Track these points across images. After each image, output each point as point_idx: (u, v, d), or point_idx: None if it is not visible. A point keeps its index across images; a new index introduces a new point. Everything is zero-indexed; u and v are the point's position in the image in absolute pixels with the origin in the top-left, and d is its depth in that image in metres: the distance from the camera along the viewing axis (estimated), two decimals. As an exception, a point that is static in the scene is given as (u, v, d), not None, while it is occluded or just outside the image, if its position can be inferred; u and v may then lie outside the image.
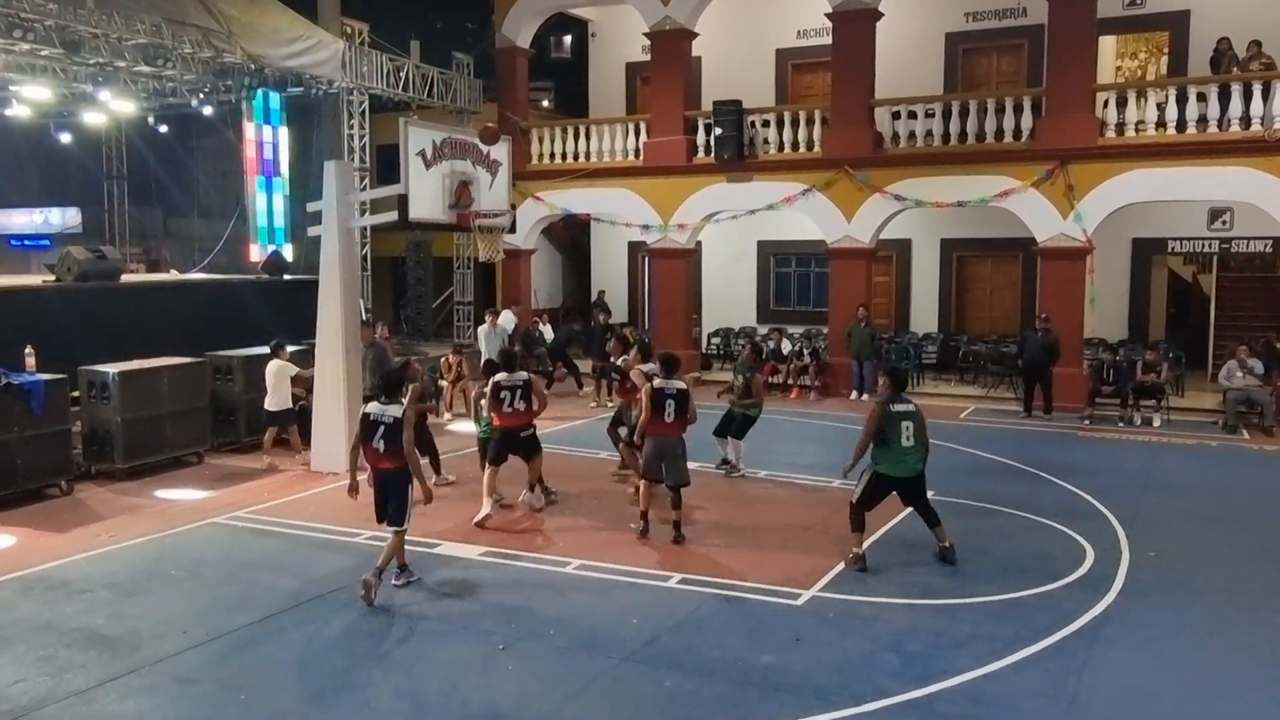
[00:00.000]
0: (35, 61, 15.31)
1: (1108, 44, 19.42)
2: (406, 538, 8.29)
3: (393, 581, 8.21)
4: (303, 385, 12.73)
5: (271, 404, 12.57)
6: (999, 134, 17.63)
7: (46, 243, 21.31)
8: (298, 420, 13.51)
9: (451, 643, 7.19)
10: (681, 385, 9.66)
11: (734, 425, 12.28)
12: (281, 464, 12.64)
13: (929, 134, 18.24)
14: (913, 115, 18.41)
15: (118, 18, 14.01)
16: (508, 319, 18.29)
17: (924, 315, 21.41)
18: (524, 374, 10.36)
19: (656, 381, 9.64)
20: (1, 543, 9.58)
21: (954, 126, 17.92)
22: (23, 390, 10.94)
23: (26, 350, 11.62)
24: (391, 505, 8.09)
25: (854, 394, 18.05)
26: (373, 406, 8.15)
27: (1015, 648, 7.00)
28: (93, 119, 18.83)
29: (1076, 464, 12.89)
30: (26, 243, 21.85)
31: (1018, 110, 17.49)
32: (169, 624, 7.46)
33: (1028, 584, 8.30)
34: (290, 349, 12.93)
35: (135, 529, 9.97)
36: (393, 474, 8.05)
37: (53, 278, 14.94)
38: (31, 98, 17.13)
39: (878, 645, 7.10)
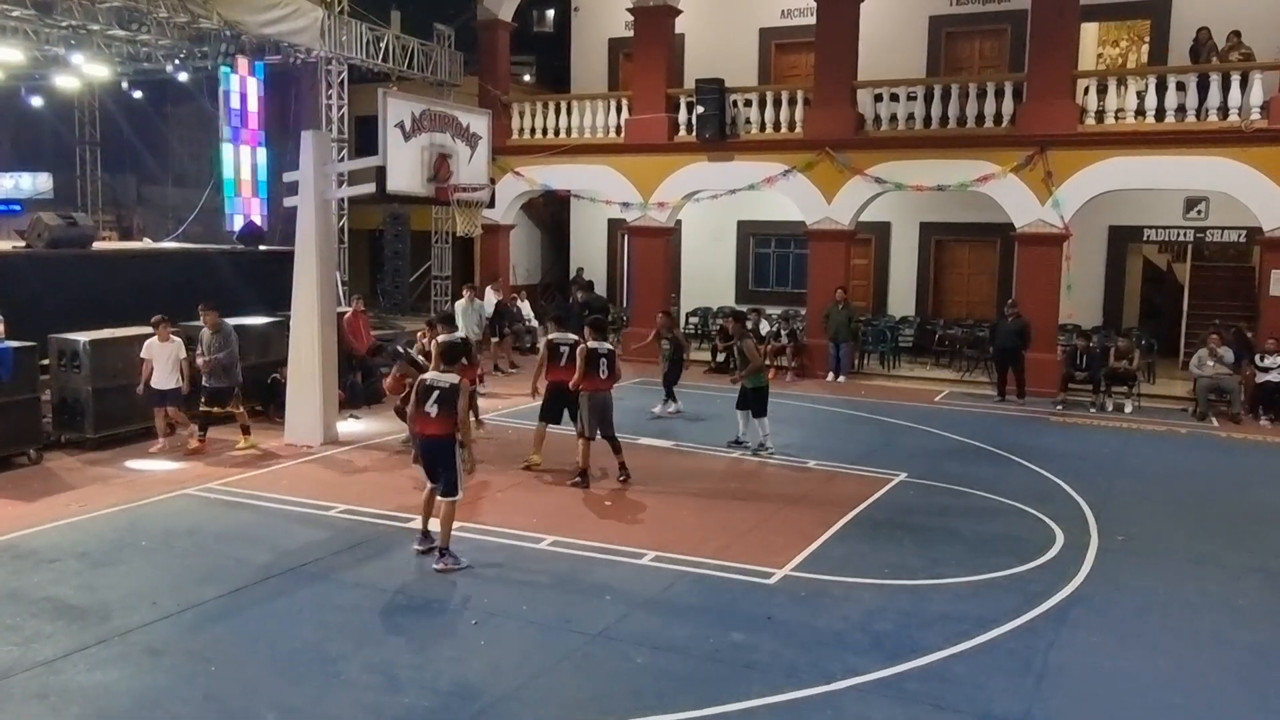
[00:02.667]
0: (6, 23, 15.02)
1: (1090, 31, 19.48)
2: (382, 510, 8.28)
3: (415, 546, 8.47)
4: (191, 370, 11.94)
5: (171, 382, 11.70)
6: (980, 119, 17.66)
7: (17, 208, 20.97)
8: (270, 395, 13.45)
9: (423, 617, 7.19)
10: (609, 346, 10.87)
11: (748, 401, 12.38)
12: (178, 443, 11.97)
13: (910, 117, 18.25)
14: (895, 98, 18.41)
15: (92, -21, 13.78)
16: (489, 296, 18.29)
17: (902, 298, 21.49)
18: (573, 336, 11.38)
19: (590, 343, 10.59)
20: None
21: (935, 110, 17.93)
22: (-9, 356, 10.81)
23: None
24: (443, 476, 8.18)
25: (830, 375, 18.12)
26: (430, 374, 8.40)
27: (984, 628, 7.07)
28: (65, 83, 18.54)
29: (1048, 448, 13.01)
30: (-4, 208, 21.56)
31: (999, 95, 17.52)
32: (139, 595, 7.41)
33: (997, 566, 8.38)
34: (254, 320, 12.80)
35: (105, 499, 9.88)
36: (439, 441, 8.14)
37: (23, 244, 14.73)
38: (2, 60, 16.83)
39: (848, 624, 7.15)
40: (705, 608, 7.44)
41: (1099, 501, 10.44)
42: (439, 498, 8.21)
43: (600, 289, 23.34)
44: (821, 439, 13.43)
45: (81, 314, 12.59)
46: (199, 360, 11.82)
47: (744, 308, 21.03)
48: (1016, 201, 17.29)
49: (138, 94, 19.07)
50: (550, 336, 11.51)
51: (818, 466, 11.92)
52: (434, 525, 8.36)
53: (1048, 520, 9.73)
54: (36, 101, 19.96)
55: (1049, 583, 8.02)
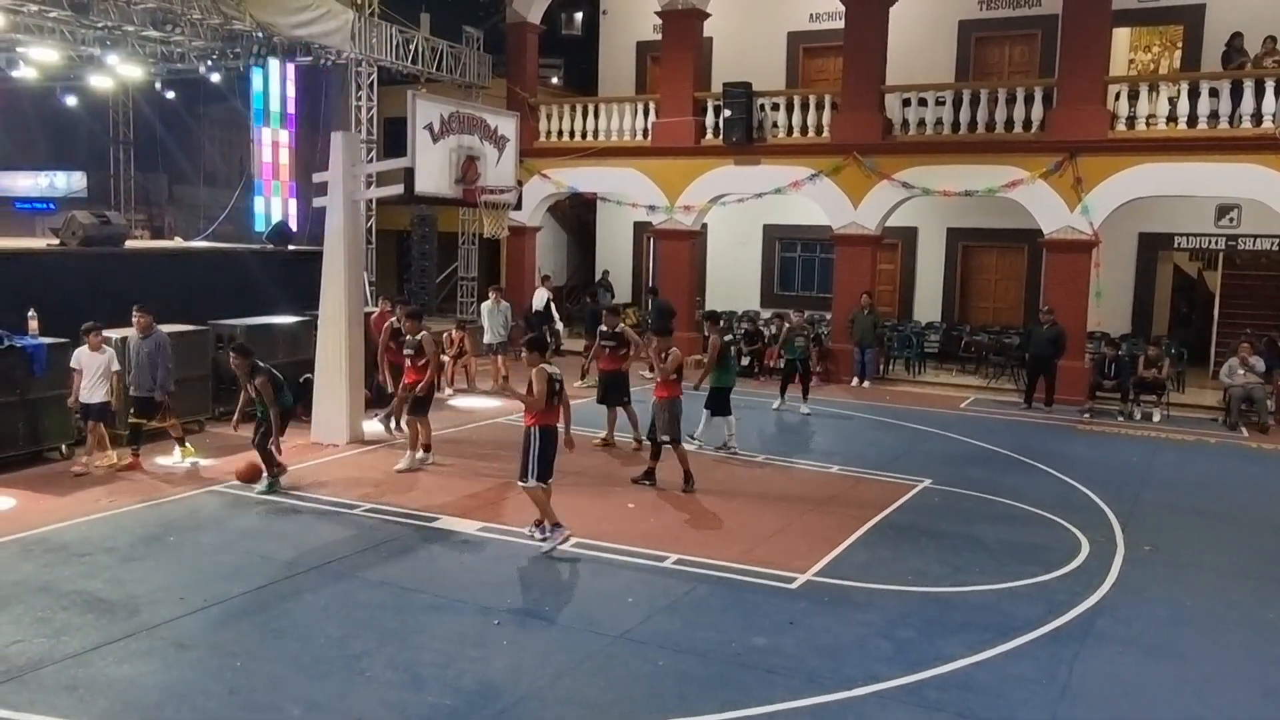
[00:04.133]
0: (43, 23, 15.24)
1: (1121, 36, 19.31)
2: (407, 509, 8.33)
3: (536, 535, 8.76)
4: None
5: (99, 395, 10.83)
6: (1009, 124, 17.56)
7: (51, 206, 21.25)
8: (300, 394, 13.51)
9: (447, 616, 7.22)
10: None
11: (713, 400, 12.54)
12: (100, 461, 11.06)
13: (939, 122, 18.17)
14: (923, 103, 18.34)
15: (127, -19, 13.96)
16: (540, 294, 19.12)
17: (928, 304, 21.39)
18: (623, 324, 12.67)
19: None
20: (2, 504, 9.61)
21: (964, 115, 17.85)
22: (25, 353, 10.97)
23: (30, 313, 11.58)
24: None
25: (855, 380, 18.05)
26: (550, 368, 8.64)
27: (1008, 637, 7.03)
28: (100, 83, 18.78)
29: (1075, 457, 12.92)
30: (32, 206, 21.80)
31: (1028, 101, 17.42)
32: (166, 590, 7.50)
33: (1022, 574, 8.33)
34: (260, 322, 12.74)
35: (135, 494, 10.01)
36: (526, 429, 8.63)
37: (57, 242, 14.90)
38: (38, 60, 17.09)
39: (870, 630, 7.13)
40: (727, 611, 7.44)
41: (1126, 511, 10.35)
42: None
43: (624, 292, 23.40)
44: (846, 444, 13.39)
45: (113, 312, 12.68)
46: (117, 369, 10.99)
47: (768, 312, 21.07)
48: (1045, 207, 17.18)
49: (170, 94, 19.28)
50: (601, 327, 12.86)
51: (841, 472, 11.89)
52: (448, 523, 8.39)
53: (1074, 529, 9.66)
54: (71, 101, 20.21)
55: (1074, 592, 7.96)
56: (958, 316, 21.17)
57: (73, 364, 10.77)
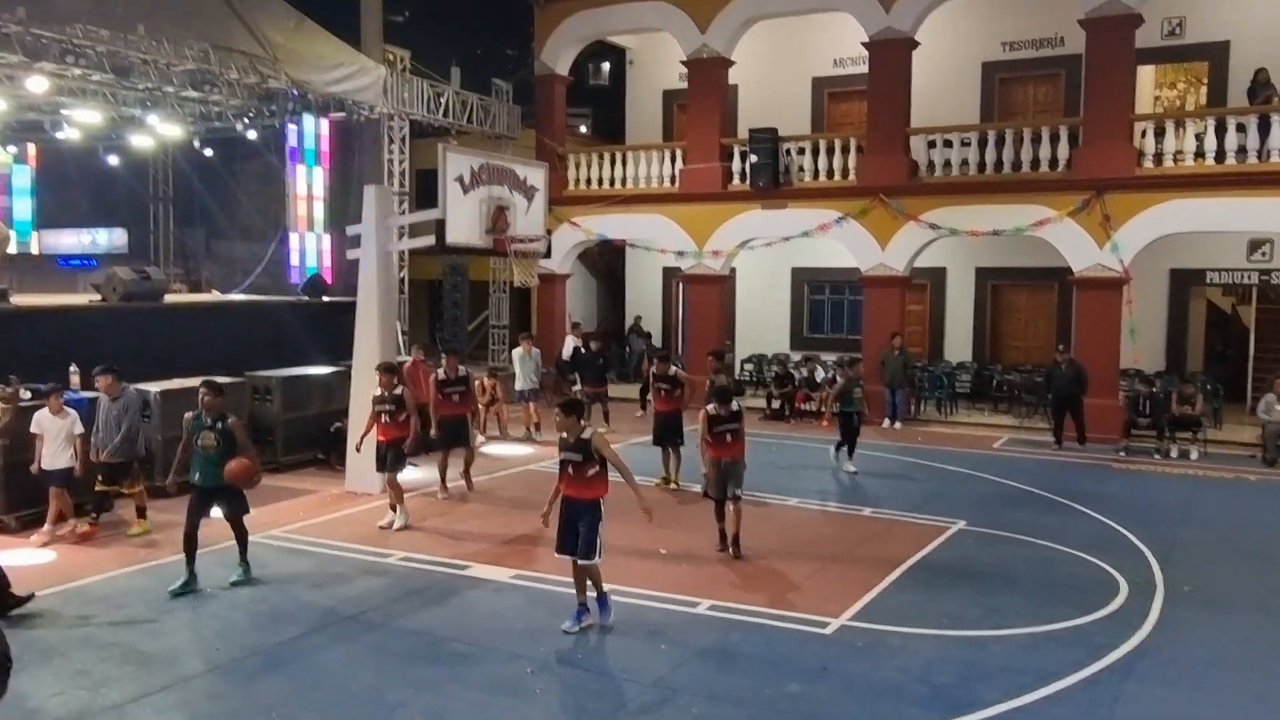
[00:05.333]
0: (86, 86, 15.73)
1: (1146, 74, 19.34)
2: (439, 557, 8.31)
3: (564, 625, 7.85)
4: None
5: (62, 461, 10.19)
6: (1035, 163, 17.59)
7: (93, 263, 21.73)
8: (331, 444, 13.68)
9: (481, 665, 7.23)
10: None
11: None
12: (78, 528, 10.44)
13: (964, 163, 18.24)
14: (948, 144, 18.43)
15: (167, 44, 14.37)
16: (569, 342, 19.36)
17: (958, 344, 21.30)
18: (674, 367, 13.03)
19: (711, 407, 10.15)
20: (43, 557, 9.76)
21: (990, 155, 17.91)
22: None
23: (72, 368, 11.84)
24: (582, 537, 7.83)
25: (886, 422, 17.97)
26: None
27: (1046, 681, 6.93)
28: (140, 142, 19.30)
29: (1111, 496, 12.76)
30: (74, 263, 22.32)
31: (1054, 140, 17.46)
32: (203, 640, 7.58)
33: (1059, 616, 8.22)
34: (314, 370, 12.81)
35: (172, 546, 10.08)
36: (582, 503, 7.90)
37: (99, 297, 15.24)
38: (82, 121, 17.61)
39: (906, 676, 7.06)
40: (761, 657, 7.40)
41: (1165, 550, 10.19)
42: (579, 562, 7.84)
43: (655, 338, 23.51)
44: (878, 486, 13.31)
45: (153, 365, 12.96)
46: (94, 439, 10.30)
47: (798, 355, 21.07)
48: (1074, 246, 17.14)
49: (208, 151, 19.76)
50: (652, 369, 13.47)
51: (874, 514, 11.82)
52: (480, 571, 8.40)
53: (1111, 570, 9.52)
54: (113, 160, 20.76)
55: (1113, 634, 7.84)
56: (989, 356, 21.06)
57: (33, 428, 10.11)
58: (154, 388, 12.20)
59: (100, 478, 10.36)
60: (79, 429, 10.24)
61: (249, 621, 8.03)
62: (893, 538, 10.77)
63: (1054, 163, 17.46)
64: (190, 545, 8.73)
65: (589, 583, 7.95)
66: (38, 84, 14.16)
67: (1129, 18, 16.72)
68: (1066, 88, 19.77)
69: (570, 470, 7.85)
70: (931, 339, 21.54)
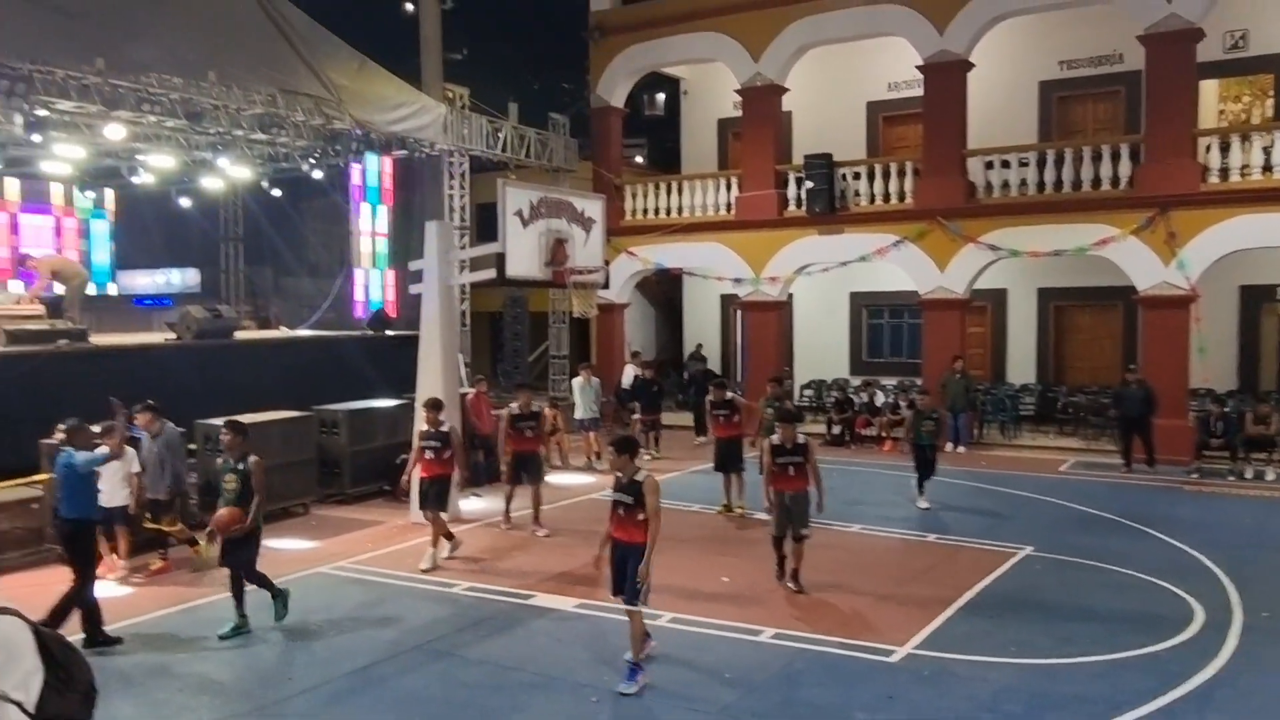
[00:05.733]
0: (160, 132, 16.32)
1: (1209, 88, 19.01)
2: (504, 587, 8.36)
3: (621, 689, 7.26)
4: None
5: (118, 499, 10.15)
6: (1096, 182, 17.38)
7: (168, 302, 22.44)
8: (397, 475, 13.87)
9: (545, 694, 7.30)
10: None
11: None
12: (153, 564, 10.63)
13: (1023, 183, 18.08)
14: (1006, 165, 18.29)
15: (236, 89, 14.87)
16: (629, 371, 19.50)
17: (1021, 366, 21.01)
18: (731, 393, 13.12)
19: (775, 437, 9.81)
20: (121, 589, 10.06)
21: (1049, 175, 17.74)
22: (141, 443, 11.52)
23: (150, 404, 12.18)
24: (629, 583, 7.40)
25: (950, 446, 17.74)
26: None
27: (1119, 710, 6.80)
28: (211, 184, 19.92)
29: (1183, 519, 12.47)
30: (150, 302, 23.08)
31: (1115, 158, 17.25)
32: (276, 671, 7.77)
33: (1132, 644, 8.05)
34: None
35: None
36: (629, 546, 7.48)
37: (173, 335, 15.71)
38: (156, 166, 18.24)
39: (974, 705, 6.98)
40: (826, 686, 7.37)
41: (1241, 575, 9.92)
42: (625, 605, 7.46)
43: (714, 364, 23.53)
44: (942, 512, 13.16)
45: (225, 400, 13.29)
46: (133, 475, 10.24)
47: (858, 379, 20.94)
48: (1139, 264, 16.86)
49: (276, 191, 20.31)
50: (709, 397, 13.42)
51: (938, 540, 11.69)
52: (544, 600, 8.45)
53: (1185, 595, 9.32)
54: (186, 203, 21.45)
55: (1189, 662, 7.66)
56: (1053, 377, 20.73)
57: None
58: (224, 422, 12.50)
59: (148, 515, 10.55)
60: (135, 467, 10.25)
61: (321, 651, 8.19)
62: (958, 564, 10.65)
63: (1115, 180, 17.23)
64: (235, 587, 8.68)
65: (631, 638, 7.41)
66: (115, 131, 14.73)
67: (1189, 32, 16.49)
68: (1127, 104, 19.51)
69: (620, 512, 7.44)
70: (993, 361, 21.26)
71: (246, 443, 8.89)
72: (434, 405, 11.03)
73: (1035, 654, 7.93)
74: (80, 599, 8.22)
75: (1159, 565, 10.33)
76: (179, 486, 10.74)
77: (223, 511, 8.63)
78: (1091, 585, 9.80)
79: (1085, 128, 20.14)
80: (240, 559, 8.70)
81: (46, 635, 3.79)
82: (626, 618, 7.48)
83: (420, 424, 11.06)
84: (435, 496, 10.84)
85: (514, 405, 12.57)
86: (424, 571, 10.43)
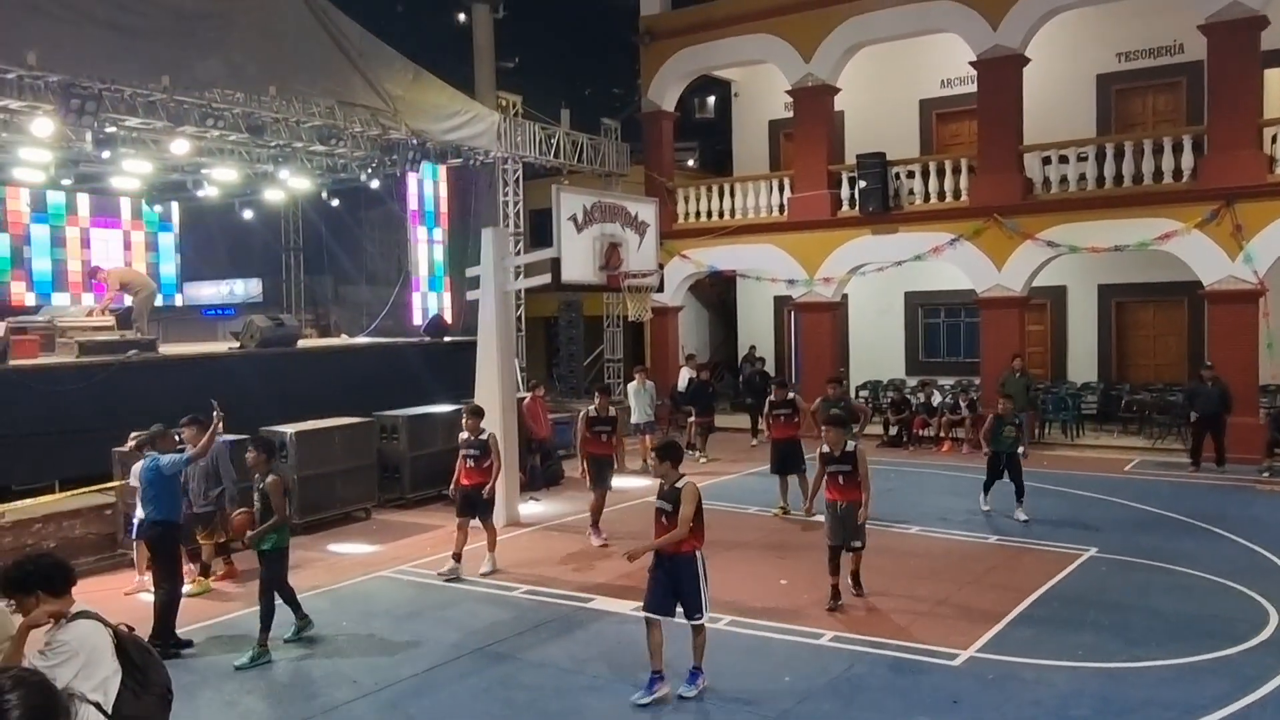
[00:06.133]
0: (224, 146, 16.71)
1: (1274, 77, 18.50)
2: (563, 591, 8.41)
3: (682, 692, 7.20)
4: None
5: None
6: (1157, 175, 17.04)
7: (232, 312, 22.94)
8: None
9: (605, 696, 7.34)
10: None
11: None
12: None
13: (1082, 178, 17.78)
14: (1064, 160, 18.01)
15: (296, 103, 15.18)
16: (684, 374, 19.44)
17: (1082, 364, 20.64)
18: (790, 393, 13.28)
19: (824, 446, 9.36)
20: (188, 593, 10.29)
21: (1109, 169, 17.41)
22: (211, 450, 11.78)
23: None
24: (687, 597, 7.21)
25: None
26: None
27: (1192, 715, 6.67)
28: (272, 196, 20.32)
29: (1255, 519, 12.16)
30: (214, 312, 23.62)
31: (1177, 150, 16.89)
32: (340, 674, 7.89)
33: (1204, 647, 7.88)
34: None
35: (309, 581, 10.51)
36: (679, 557, 7.25)
37: (237, 344, 16.05)
38: (220, 179, 18.67)
39: (1040, 710, 6.88)
40: (888, 690, 7.32)
41: (1317, 577, 9.68)
42: (691, 621, 7.23)
43: (768, 365, 23.44)
44: (1003, 513, 12.97)
45: (288, 406, 13.58)
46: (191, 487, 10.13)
47: (914, 380, 20.74)
48: (1203, 258, 16.49)
49: (335, 202, 20.67)
50: (771, 398, 13.30)
51: (1000, 542, 11.54)
52: (603, 604, 8.46)
53: (1259, 598, 9.09)
54: (248, 214, 21.92)
55: (1264, 666, 7.47)
56: (1115, 375, 20.34)
57: (131, 480, 10.02)
58: (289, 429, 12.79)
59: (197, 530, 10.41)
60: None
61: (383, 654, 8.32)
62: (1021, 566, 10.50)
63: (1178, 173, 16.87)
64: (287, 597, 8.67)
65: (694, 648, 7.24)
66: (180, 146, 15.11)
67: (1252, 20, 16.10)
68: (1188, 96, 19.10)
69: (664, 520, 7.22)
70: (1053, 359, 20.92)
71: (270, 461, 8.71)
72: (474, 413, 11.00)
73: (1103, 658, 7.80)
74: (172, 600, 8.50)
75: (1230, 567, 10.09)
76: (222, 501, 10.52)
77: (237, 514, 8.79)
78: (1160, 587, 9.61)
79: (1145, 120, 19.75)
80: (264, 575, 8.52)
81: (125, 638, 3.92)
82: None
83: (462, 432, 10.94)
84: (481, 504, 10.61)
85: (590, 408, 12.35)
86: (483, 575, 10.49)
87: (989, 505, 12.86)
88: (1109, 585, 9.72)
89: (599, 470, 12.05)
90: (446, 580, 10.36)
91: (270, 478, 8.45)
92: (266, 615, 8.32)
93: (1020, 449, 12.81)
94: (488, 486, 10.55)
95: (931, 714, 6.84)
